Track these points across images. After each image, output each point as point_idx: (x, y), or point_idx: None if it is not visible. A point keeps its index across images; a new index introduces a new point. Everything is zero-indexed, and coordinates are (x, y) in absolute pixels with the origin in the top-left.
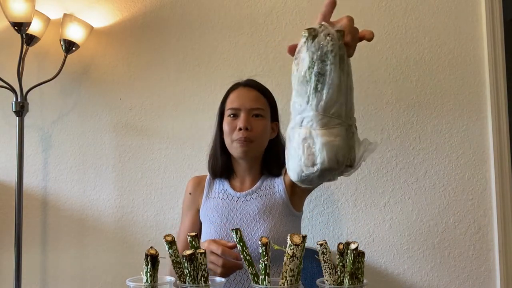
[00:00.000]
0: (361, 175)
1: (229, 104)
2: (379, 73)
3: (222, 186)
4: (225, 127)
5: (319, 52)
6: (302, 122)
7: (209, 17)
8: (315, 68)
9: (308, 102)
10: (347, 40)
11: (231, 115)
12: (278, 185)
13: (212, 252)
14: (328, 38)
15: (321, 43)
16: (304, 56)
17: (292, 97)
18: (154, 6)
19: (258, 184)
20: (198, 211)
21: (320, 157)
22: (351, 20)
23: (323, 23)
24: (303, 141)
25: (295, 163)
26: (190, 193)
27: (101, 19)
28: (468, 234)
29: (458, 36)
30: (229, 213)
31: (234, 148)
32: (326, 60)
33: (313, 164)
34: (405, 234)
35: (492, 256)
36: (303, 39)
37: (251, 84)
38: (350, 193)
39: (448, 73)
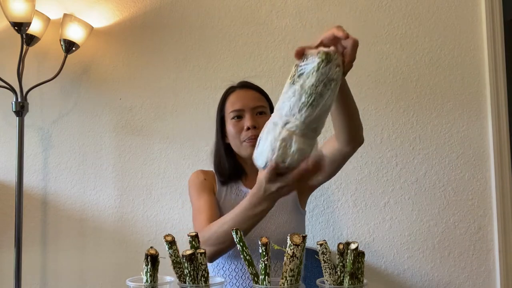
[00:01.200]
0: (361, 175)
1: (230, 107)
2: (379, 73)
3: (234, 182)
4: (231, 129)
5: (326, 77)
6: (286, 124)
7: (209, 17)
8: (319, 88)
9: (299, 111)
10: (347, 69)
11: (235, 117)
12: None
13: (280, 177)
14: (337, 68)
15: (331, 71)
16: (312, 73)
17: (283, 96)
18: (154, 6)
19: None
20: (215, 193)
21: (291, 158)
22: (356, 46)
23: (333, 49)
24: (281, 140)
25: (267, 152)
26: (205, 179)
27: (101, 19)
28: (468, 234)
29: (458, 36)
30: None
31: (244, 148)
32: (328, 86)
33: (283, 161)
34: (405, 234)
35: (492, 256)
36: (318, 60)
37: (248, 85)
38: (350, 193)
39: (448, 73)
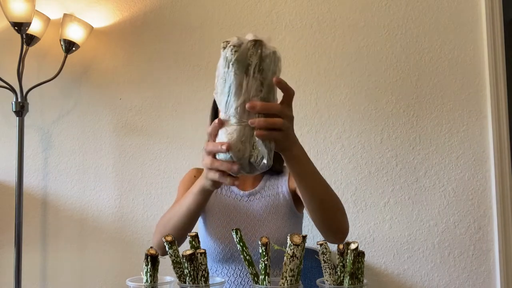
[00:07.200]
0: (361, 175)
1: None
2: (379, 73)
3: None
4: None
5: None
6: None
7: (209, 17)
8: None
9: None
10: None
11: None
12: (281, 186)
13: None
14: (234, 49)
15: (227, 53)
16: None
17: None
18: (154, 6)
19: (261, 183)
20: None
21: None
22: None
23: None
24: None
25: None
26: (195, 176)
27: (101, 19)
28: (468, 234)
29: (458, 36)
30: (233, 213)
31: None
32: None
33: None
34: (405, 234)
35: (492, 256)
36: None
37: None
38: (350, 193)
39: (448, 73)
